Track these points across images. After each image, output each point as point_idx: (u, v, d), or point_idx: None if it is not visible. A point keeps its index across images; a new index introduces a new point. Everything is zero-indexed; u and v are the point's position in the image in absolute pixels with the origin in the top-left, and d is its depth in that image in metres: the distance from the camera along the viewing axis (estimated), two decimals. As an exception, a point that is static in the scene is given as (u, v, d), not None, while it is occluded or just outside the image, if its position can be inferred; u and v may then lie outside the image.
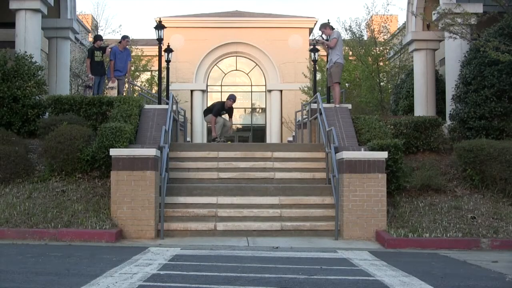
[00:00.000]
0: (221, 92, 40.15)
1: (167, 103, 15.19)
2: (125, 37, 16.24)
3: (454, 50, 15.79)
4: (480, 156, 11.72)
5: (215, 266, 7.10)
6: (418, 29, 18.82)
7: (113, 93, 15.54)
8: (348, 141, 12.44)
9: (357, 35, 24.95)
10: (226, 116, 16.21)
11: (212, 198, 10.91)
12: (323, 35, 14.19)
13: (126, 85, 17.85)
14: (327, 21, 15.42)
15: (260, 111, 40.90)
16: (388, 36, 26.34)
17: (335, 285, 5.99)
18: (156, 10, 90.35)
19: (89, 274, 6.21)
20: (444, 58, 17.16)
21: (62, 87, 18.24)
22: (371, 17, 26.35)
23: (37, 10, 15.80)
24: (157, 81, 26.80)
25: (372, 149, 11.19)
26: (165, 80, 23.70)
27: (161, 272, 6.42)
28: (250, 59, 39.89)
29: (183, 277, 6.21)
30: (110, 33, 31.11)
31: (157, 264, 7.10)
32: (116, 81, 15.74)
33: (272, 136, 38.92)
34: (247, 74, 40.42)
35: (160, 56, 19.32)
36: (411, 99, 19.28)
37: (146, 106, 14.30)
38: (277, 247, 9.11)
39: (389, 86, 25.03)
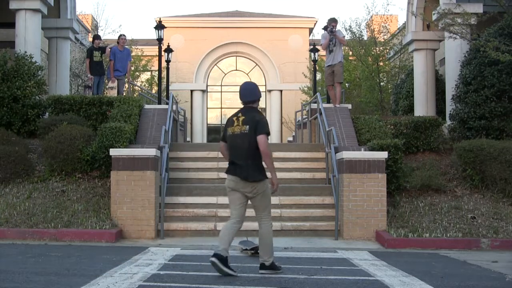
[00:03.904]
0: (221, 92, 40.17)
1: (167, 103, 15.19)
2: (120, 36, 16.22)
3: (454, 50, 15.78)
4: (480, 156, 11.72)
5: (215, 266, 7.08)
6: (418, 29, 18.81)
7: (113, 93, 15.55)
8: (348, 141, 12.44)
9: (357, 35, 24.92)
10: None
11: (212, 198, 10.91)
12: (333, 29, 14.05)
13: (126, 85, 17.85)
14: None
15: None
16: (388, 36, 26.31)
17: (335, 285, 5.99)
18: (156, 10, 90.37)
19: (89, 274, 6.21)
20: (444, 58, 17.15)
21: (62, 87, 18.22)
22: (371, 17, 26.33)
23: (37, 10, 15.78)
24: (157, 81, 26.79)
25: (372, 149, 11.18)
26: (165, 80, 23.70)
27: (161, 272, 6.42)
28: (250, 59, 39.85)
29: (183, 277, 6.21)
30: (110, 33, 31.12)
31: (157, 264, 7.10)
32: (116, 81, 15.74)
33: (272, 136, 38.88)
34: (247, 74, 40.36)
35: (160, 56, 19.32)
36: (411, 99, 19.27)
37: (146, 106, 14.30)
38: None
39: (389, 86, 25.00)
